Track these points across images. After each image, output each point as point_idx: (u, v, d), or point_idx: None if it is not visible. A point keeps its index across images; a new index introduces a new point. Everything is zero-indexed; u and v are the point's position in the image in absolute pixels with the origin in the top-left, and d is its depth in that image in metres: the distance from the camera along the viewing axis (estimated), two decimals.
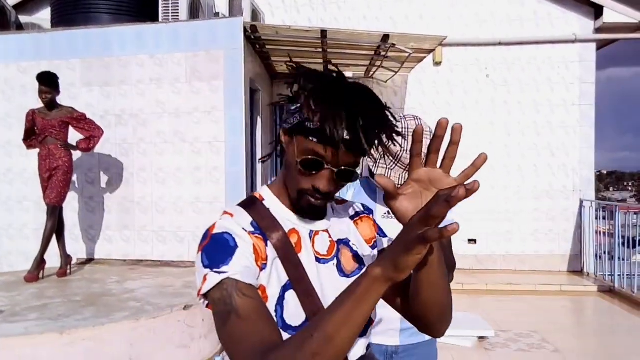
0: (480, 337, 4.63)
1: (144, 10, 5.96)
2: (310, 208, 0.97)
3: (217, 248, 0.90)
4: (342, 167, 0.92)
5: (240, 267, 0.88)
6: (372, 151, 0.93)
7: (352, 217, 1.13)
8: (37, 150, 4.62)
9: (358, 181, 1.91)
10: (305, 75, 0.93)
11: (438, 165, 0.86)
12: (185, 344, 3.68)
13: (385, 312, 1.20)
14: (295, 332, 0.89)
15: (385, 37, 5.77)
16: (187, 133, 5.37)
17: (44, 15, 7.56)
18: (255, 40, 5.95)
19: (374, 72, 7.47)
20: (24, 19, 7.24)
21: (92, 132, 4.66)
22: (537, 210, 7.64)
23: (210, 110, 5.31)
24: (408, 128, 1.71)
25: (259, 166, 6.45)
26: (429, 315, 0.98)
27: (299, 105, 0.93)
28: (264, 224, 0.97)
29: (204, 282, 0.88)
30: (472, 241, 7.55)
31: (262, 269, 0.92)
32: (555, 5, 7.60)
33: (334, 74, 0.95)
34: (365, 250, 1.10)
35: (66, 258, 4.80)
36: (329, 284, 0.99)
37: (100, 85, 5.50)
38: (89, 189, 5.56)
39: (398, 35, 5.86)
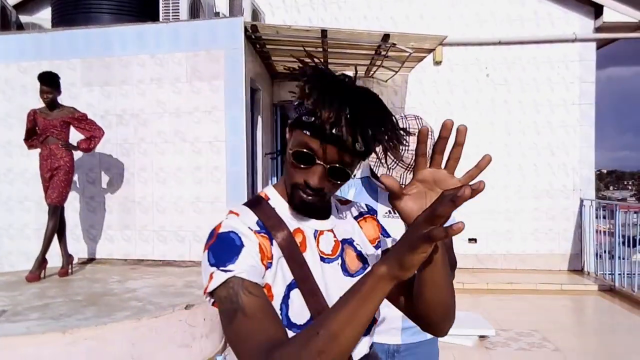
0: (481, 336, 4.64)
1: (145, 10, 5.97)
2: (302, 204, 0.98)
3: (223, 247, 0.91)
4: (335, 165, 0.93)
5: (246, 265, 0.88)
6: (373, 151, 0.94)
7: (356, 217, 1.14)
8: (38, 150, 4.63)
9: (359, 181, 1.92)
10: (311, 73, 0.94)
11: (442, 165, 0.87)
12: (186, 343, 3.68)
13: (387, 311, 1.21)
14: (300, 330, 0.90)
15: (386, 37, 5.77)
16: (188, 133, 5.37)
17: (44, 15, 7.56)
18: (256, 40, 5.96)
19: (374, 72, 7.48)
20: (24, 18, 7.25)
21: (92, 133, 4.67)
22: (537, 210, 7.65)
23: (211, 110, 5.32)
24: (409, 127, 1.72)
25: (259, 165, 6.46)
26: (432, 315, 0.99)
27: (301, 100, 0.95)
28: (269, 224, 0.98)
29: (210, 280, 0.89)
30: (473, 240, 7.56)
31: (267, 267, 0.93)
32: (555, 5, 7.60)
33: (342, 75, 0.96)
34: (369, 250, 1.11)
35: (67, 258, 4.81)
36: (333, 283, 1.00)
37: (100, 85, 5.51)
38: (90, 189, 5.57)
39: (398, 34, 5.87)
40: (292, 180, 0.97)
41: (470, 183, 0.72)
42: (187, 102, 5.36)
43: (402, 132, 0.95)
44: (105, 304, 3.76)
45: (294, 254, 0.96)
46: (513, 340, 4.64)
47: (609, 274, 6.81)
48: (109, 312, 3.53)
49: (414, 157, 1.66)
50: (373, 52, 6.40)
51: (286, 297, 0.94)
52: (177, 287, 4.34)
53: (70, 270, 4.84)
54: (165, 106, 5.41)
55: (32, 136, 4.64)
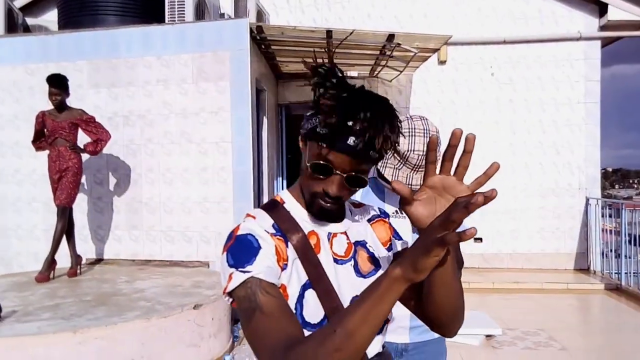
0: (488, 336, 4.65)
1: (150, 11, 6.00)
2: (322, 211, 1.02)
3: (241, 248, 0.95)
4: (352, 173, 0.96)
5: (263, 267, 0.92)
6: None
7: (369, 220, 1.17)
8: (47, 151, 4.66)
9: None
10: (325, 82, 0.95)
11: (452, 172, 0.90)
12: (195, 343, 3.71)
13: (395, 310, 1.23)
14: (314, 329, 0.95)
15: (391, 37, 5.79)
16: (194, 133, 5.40)
17: (50, 17, 7.61)
18: (261, 41, 5.98)
19: (379, 72, 7.49)
20: (30, 21, 7.30)
21: (99, 136, 4.69)
22: (543, 209, 7.65)
23: (217, 111, 5.35)
24: (414, 129, 1.73)
25: (265, 166, 6.48)
26: (442, 315, 1.02)
27: (313, 111, 0.97)
28: (284, 226, 1.01)
29: (230, 280, 0.93)
30: (479, 240, 7.56)
31: (283, 269, 0.97)
32: (559, 3, 7.59)
33: (356, 86, 0.98)
34: (381, 252, 1.14)
35: (76, 258, 4.85)
36: (346, 284, 1.03)
37: (107, 87, 5.54)
38: (97, 190, 5.61)
39: (403, 34, 5.88)
40: (311, 189, 1.00)
41: (483, 190, 0.75)
42: (193, 103, 5.39)
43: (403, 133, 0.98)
44: (114, 304, 3.79)
45: (308, 256, 1.00)
46: (519, 339, 4.65)
47: (615, 273, 6.80)
48: (118, 312, 3.56)
49: (419, 158, 1.68)
50: (378, 52, 6.42)
51: (301, 297, 0.97)
52: (185, 287, 4.37)
53: (79, 271, 4.88)
54: (171, 107, 5.44)
55: (40, 138, 4.68)
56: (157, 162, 5.49)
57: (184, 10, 5.71)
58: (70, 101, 4.78)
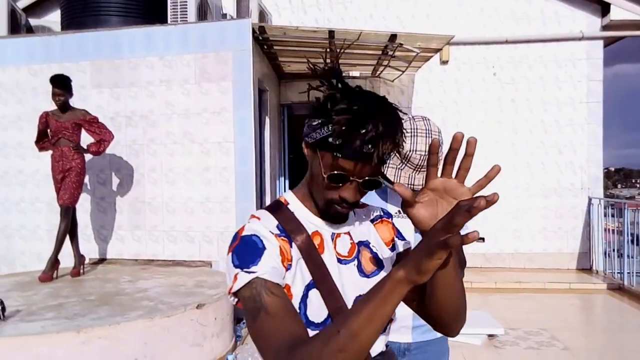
0: (490, 335, 4.66)
1: (153, 12, 6.02)
2: (338, 215, 1.06)
3: (246, 249, 0.96)
4: (366, 178, 0.98)
5: (268, 267, 0.93)
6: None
7: (372, 220, 1.18)
8: (50, 152, 4.68)
9: None
10: (334, 93, 0.97)
11: (453, 175, 0.91)
12: (198, 342, 3.73)
13: (398, 309, 1.24)
14: (318, 328, 0.96)
15: (393, 37, 5.79)
16: (197, 134, 5.42)
17: (53, 18, 7.64)
18: (263, 41, 5.99)
19: (381, 72, 7.50)
20: (34, 21, 7.32)
21: (102, 136, 4.71)
22: (545, 208, 7.64)
23: (219, 111, 5.36)
24: (417, 129, 1.74)
25: (267, 166, 6.49)
26: (444, 315, 1.03)
27: (321, 120, 0.97)
28: (289, 227, 1.03)
29: (235, 281, 0.94)
30: (481, 239, 7.49)
31: (287, 269, 0.98)
32: (562, 3, 7.59)
33: (366, 91, 0.99)
34: (384, 252, 1.15)
35: (79, 258, 4.86)
36: (349, 284, 1.04)
37: (110, 87, 5.56)
38: (100, 190, 5.63)
39: (405, 34, 5.88)
40: (327, 197, 1.01)
41: (485, 194, 0.76)
42: (195, 104, 5.41)
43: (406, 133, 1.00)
44: (117, 304, 3.80)
45: (312, 256, 1.01)
46: (522, 339, 4.65)
47: (618, 273, 6.80)
48: (121, 311, 3.57)
49: (422, 158, 1.69)
50: (380, 52, 6.42)
51: (305, 297, 0.99)
52: (187, 286, 4.38)
53: (82, 271, 4.90)
54: (174, 107, 5.45)
55: (43, 138, 4.70)
56: (160, 162, 5.50)
57: (186, 11, 5.73)
58: (73, 101, 4.79)
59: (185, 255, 5.44)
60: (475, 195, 0.88)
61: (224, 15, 6.83)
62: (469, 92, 7.75)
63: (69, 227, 4.63)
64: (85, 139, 4.76)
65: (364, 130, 0.92)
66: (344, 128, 0.93)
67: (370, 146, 0.93)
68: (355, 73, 7.71)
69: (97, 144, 4.71)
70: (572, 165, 7.61)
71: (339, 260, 1.06)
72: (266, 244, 0.97)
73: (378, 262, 1.12)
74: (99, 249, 5.62)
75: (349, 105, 0.94)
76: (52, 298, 3.98)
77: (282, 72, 7.50)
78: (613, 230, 7.19)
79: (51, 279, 4.60)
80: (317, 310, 0.99)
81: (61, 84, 4.52)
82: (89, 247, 5.48)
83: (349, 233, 1.10)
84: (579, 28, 7.54)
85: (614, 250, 7.11)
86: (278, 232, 1.01)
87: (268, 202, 6.42)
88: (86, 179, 5.22)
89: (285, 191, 7.68)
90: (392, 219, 1.21)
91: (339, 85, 0.98)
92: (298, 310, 0.97)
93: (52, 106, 4.66)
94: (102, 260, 5.58)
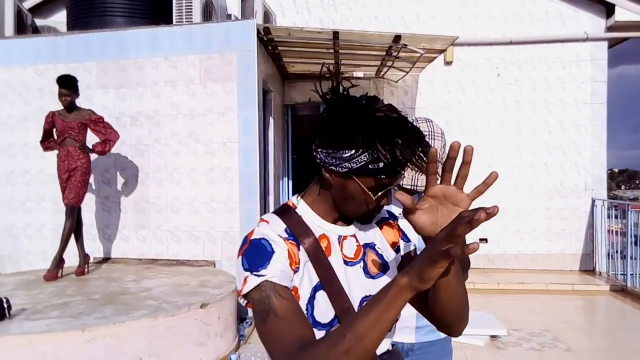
0: (493, 336, 4.67)
1: (158, 12, 6.04)
2: (371, 218, 1.13)
3: (255, 253, 0.99)
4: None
5: (276, 270, 0.97)
6: None
7: (377, 223, 1.21)
8: (55, 151, 4.71)
9: None
10: (353, 123, 1.00)
11: (452, 182, 0.94)
12: (202, 341, 3.75)
13: (402, 310, 1.26)
14: (324, 329, 1.00)
15: (397, 38, 5.80)
16: (202, 134, 5.44)
17: (59, 18, 7.67)
18: (268, 42, 6.01)
19: (385, 72, 7.51)
20: (39, 22, 7.36)
21: (107, 136, 4.73)
22: (548, 209, 7.64)
23: (224, 112, 5.38)
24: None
25: (271, 166, 6.52)
26: (447, 316, 1.06)
27: (353, 151, 0.99)
28: (296, 231, 1.06)
29: (245, 284, 0.97)
30: (484, 240, 7.56)
31: (295, 271, 1.02)
32: (566, 4, 7.58)
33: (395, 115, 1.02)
34: (389, 254, 1.18)
35: (84, 257, 4.89)
36: (356, 285, 1.08)
37: (115, 88, 5.59)
38: (105, 190, 5.66)
39: (409, 35, 5.89)
40: (369, 208, 1.06)
41: (487, 194, 0.79)
42: (200, 104, 5.43)
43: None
44: (122, 303, 3.83)
45: (319, 258, 1.04)
46: (524, 340, 4.66)
47: (621, 274, 6.79)
48: (126, 310, 3.60)
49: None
50: (384, 53, 6.43)
51: (312, 298, 1.02)
52: (191, 286, 4.41)
53: (86, 270, 4.93)
54: (179, 108, 5.48)
55: (49, 138, 4.73)
56: (165, 162, 5.53)
57: (191, 12, 5.75)
58: (79, 102, 4.82)
59: (189, 254, 5.47)
60: (475, 198, 0.92)
61: (229, 16, 6.85)
62: (473, 93, 7.76)
63: (74, 227, 4.66)
64: (91, 138, 4.78)
65: (399, 152, 0.96)
66: (382, 154, 0.97)
67: (404, 161, 0.98)
68: (359, 74, 7.73)
69: (103, 144, 4.73)
70: (575, 166, 7.61)
71: (346, 262, 1.09)
72: (275, 248, 1.00)
73: (383, 264, 1.15)
74: (104, 248, 5.65)
75: (380, 133, 0.97)
76: (57, 297, 4.01)
77: (286, 72, 7.52)
78: (616, 232, 7.18)
79: (56, 277, 4.63)
80: (324, 311, 1.02)
81: (68, 84, 4.55)
82: (93, 247, 5.51)
83: (354, 235, 1.13)
84: (584, 29, 7.53)
85: (617, 251, 7.10)
86: (286, 236, 1.04)
87: (272, 202, 6.45)
88: (91, 179, 5.25)
89: (289, 191, 7.67)
90: (397, 221, 1.24)
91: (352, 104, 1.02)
92: (305, 311, 1.00)
93: (58, 106, 4.69)
94: (106, 259, 5.62)
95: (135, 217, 5.60)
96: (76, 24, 6.15)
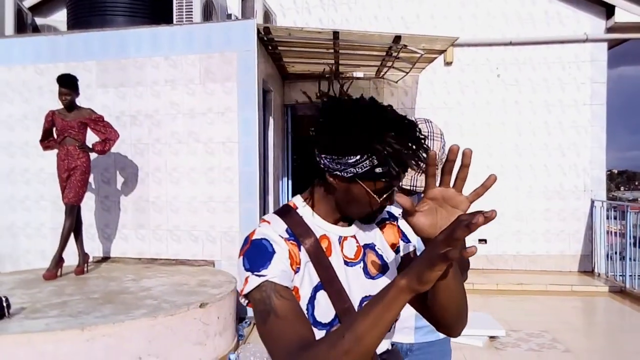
0: (491, 337, 4.67)
1: (158, 12, 6.04)
2: (375, 218, 1.13)
3: (256, 253, 1.00)
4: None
5: (277, 271, 0.98)
6: None
7: (378, 224, 1.22)
8: (55, 150, 4.71)
9: None
10: (356, 128, 1.00)
11: (451, 185, 0.95)
12: (201, 341, 3.75)
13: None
14: (325, 328, 1.01)
15: (397, 38, 5.81)
16: (201, 133, 5.44)
17: (59, 17, 7.67)
18: (268, 42, 6.02)
19: (385, 73, 7.51)
20: (40, 21, 7.36)
21: (107, 135, 4.73)
22: (548, 210, 7.65)
23: (224, 111, 5.38)
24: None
25: (271, 166, 6.52)
26: (446, 316, 1.06)
27: (359, 157, 1.00)
28: (297, 231, 1.07)
29: (246, 284, 0.98)
30: (483, 241, 7.57)
31: (296, 272, 1.02)
32: (566, 5, 7.59)
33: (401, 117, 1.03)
34: (389, 255, 1.19)
35: (84, 256, 4.89)
36: (356, 285, 1.08)
37: (115, 87, 5.59)
38: (104, 189, 5.66)
39: (409, 36, 5.90)
40: (373, 209, 1.07)
41: (486, 196, 0.79)
42: (200, 104, 5.43)
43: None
44: (121, 302, 3.83)
45: (320, 259, 1.05)
46: (523, 341, 4.66)
47: (620, 276, 6.80)
48: (125, 310, 3.60)
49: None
50: (384, 53, 6.44)
51: (312, 298, 1.03)
52: (191, 285, 4.41)
53: (86, 269, 4.93)
54: (179, 107, 5.48)
55: (48, 137, 4.73)
56: (164, 161, 5.53)
57: (191, 11, 5.75)
58: (79, 101, 4.82)
59: (189, 254, 5.47)
60: (474, 201, 0.93)
61: (229, 16, 6.86)
62: (472, 93, 7.76)
63: (73, 226, 4.66)
64: (91, 137, 4.78)
65: (402, 155, 0.98)
66: (386, 158, 0.98)
67: (408, 163, 1.00)
68: (359, 74, 7.73)
69: (103, 143, 4.73)
70: (575, 168, 7.61)
71: (346, 263, 1.09)
72: (276, 248, 1.00)
73: (383, 265, 1.16)
74: (103, 247, 5.65)
75: (385, 138, 0.98)
76: (57, 296, 4.01)
77: (286, 72, 7.52)
78: (615, 233, 7.19)
79: (55, 276, 4.63)
80: (324, 310, 1.03)
81: (68, 84, 4.55)
82: (93, 246, 5.51)
83: (355, 236, 1.14)
84: (583, 30, 7.54)
85: (616, 252, 7.11)
86: (287, 236, 1.05)
87: (271, 202, 6.45)
88: (91, 178, 5.26)
89: (288, 191, 7.67)
90: (397, 222, 1.24)
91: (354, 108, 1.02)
92: (306, 311, 1.01)
93: (58, 105, 4.69)
94: (105, 258, 5.62)
95: (134, 217, 5.61)
96: (76, 23, 6.15)
